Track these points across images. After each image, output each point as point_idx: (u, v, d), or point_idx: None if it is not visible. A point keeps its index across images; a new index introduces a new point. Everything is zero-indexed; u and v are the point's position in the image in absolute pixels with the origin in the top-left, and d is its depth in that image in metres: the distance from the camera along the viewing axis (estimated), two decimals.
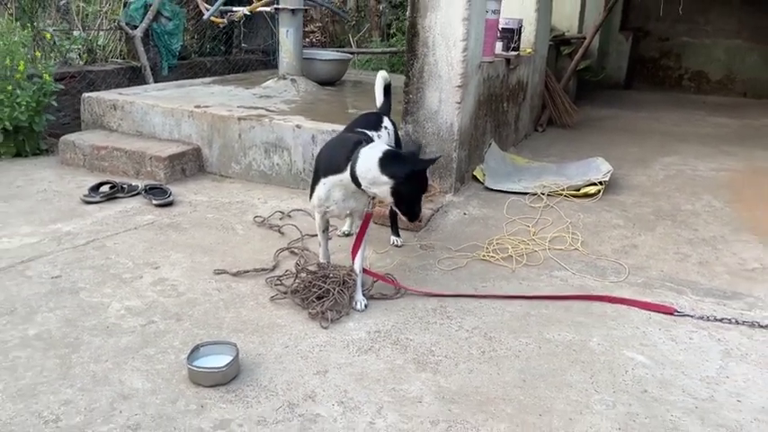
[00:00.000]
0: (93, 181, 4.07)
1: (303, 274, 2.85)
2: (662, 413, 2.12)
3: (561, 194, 4.13)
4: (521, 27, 5.02)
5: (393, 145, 2.95)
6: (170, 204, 3.88)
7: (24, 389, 2.10)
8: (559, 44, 7.17)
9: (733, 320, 2.69)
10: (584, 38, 6.99)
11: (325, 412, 2.07)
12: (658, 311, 2.78)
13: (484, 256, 3.27)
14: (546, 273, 3.14)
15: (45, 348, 2.34)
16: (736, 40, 8.62)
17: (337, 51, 7.03)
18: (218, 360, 2.23)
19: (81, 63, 5.78)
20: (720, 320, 2.69)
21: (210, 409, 2.06)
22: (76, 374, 2.20)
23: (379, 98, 3.22)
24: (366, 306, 2.73)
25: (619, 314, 2.76)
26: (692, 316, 2.73)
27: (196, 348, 2.29)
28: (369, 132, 2.79)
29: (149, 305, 2.69)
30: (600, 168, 4.36)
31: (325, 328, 2.56)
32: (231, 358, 2.22)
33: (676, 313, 2.76)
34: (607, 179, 4.20)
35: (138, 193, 4.01)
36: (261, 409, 2.07)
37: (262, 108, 4.70)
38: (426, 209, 3.76)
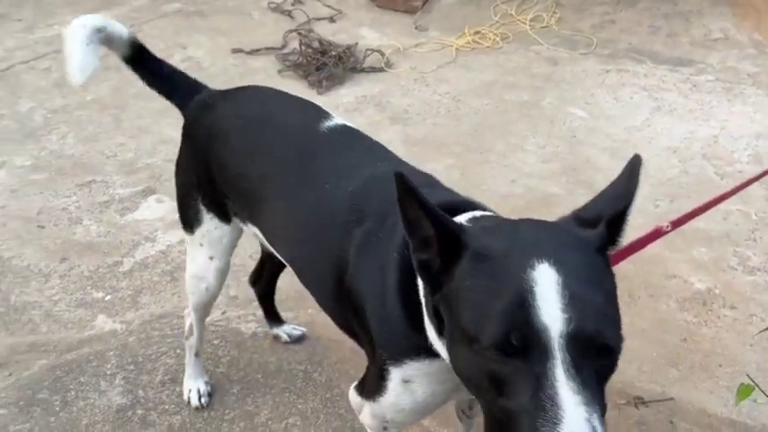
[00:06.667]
0: None
1: (307, 50, 3.34)
2: (581, 150, 2.65)
3: None
4: None
5: None
6: None
7: (89, 136, 2.79)
8: None
9: (675, 83, 3.08)
10: None
11: None
12: None
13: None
14: (523, 47, 3.50)
15: (100, 109, 2.99)
16: None
17: None
18: None
19: None
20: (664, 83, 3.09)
21: None
22: (126, 127, 2.86)
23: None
24: None
25: (577, 79, 3.18)
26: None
27: None
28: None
29: None
30: None
31: (321, 94, 3.10)
32: None
33: None
34: None
35: None
36: None
37: None
38: None
